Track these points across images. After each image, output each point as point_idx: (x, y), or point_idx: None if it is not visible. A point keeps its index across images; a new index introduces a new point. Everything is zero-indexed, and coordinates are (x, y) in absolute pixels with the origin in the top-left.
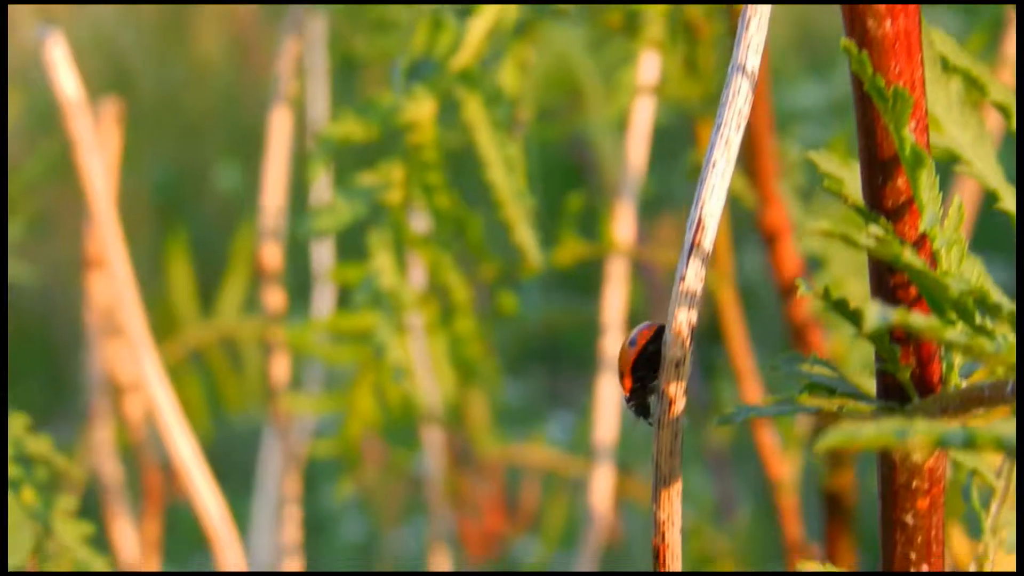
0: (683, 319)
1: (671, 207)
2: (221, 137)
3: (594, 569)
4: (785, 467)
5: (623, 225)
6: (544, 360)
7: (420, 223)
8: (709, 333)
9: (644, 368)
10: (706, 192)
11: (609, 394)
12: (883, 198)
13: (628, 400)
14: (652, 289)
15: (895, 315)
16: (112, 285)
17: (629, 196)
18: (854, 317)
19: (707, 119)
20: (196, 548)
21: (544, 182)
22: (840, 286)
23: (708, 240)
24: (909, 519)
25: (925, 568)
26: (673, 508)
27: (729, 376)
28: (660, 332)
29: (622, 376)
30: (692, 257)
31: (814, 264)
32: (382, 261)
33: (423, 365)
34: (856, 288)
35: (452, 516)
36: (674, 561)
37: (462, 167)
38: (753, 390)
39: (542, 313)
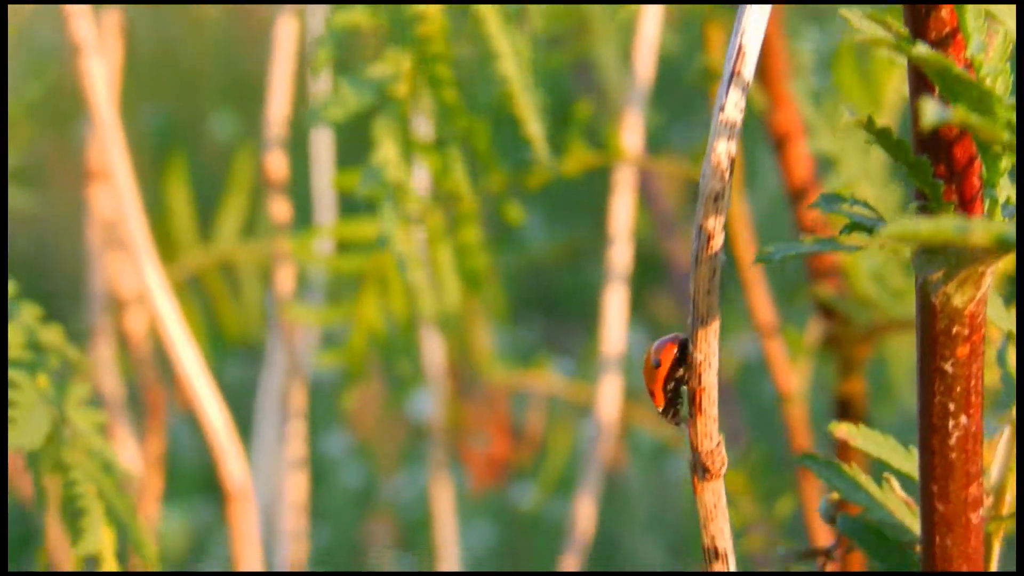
0: (722, 150)
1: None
2: (218, 87)
3: (596, 495)
4: (794, 379)
5: (631, 134)
6: (543, 309)
7: (425, 130)
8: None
9: (675, 384)
10: (746, 20)
11: (616, 311)
12: (927, 29)
13: (662, 413)
14: (659, 219)
15: (953, 113)
16: (114, 196)
17: (636, 105)
18: (896, 148)
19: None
20: (198, 491)
21: (551, 111)
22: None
23: (748, 69)
24: (948, 367)
25: (963, 420)
26: (710, 349)
27: (737, 302)
28: (684, 347)
29: (653, 395)
30: (732, 86)
31: (825, 167)
32: (387, 152)
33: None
34: (867, 191)
35: (455, 444)
36: (711, 405)
37: (468, 87)
38: (763, 300)
39: (545, 243)
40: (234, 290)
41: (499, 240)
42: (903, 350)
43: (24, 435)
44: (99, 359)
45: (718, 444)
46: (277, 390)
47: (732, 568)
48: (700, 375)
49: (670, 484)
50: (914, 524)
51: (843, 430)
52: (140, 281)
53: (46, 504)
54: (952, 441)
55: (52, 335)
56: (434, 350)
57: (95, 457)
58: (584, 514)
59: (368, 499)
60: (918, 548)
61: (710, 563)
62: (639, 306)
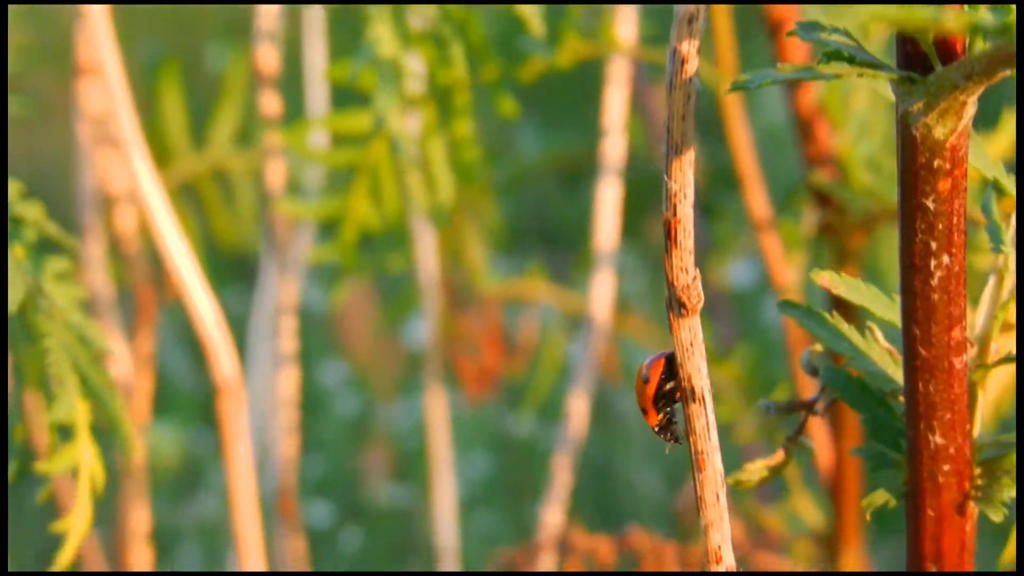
0: None
1: None
2: (215, 22)
3: (587, 405)
4: (789, 271)
5: (624, 26)
6: (537, 241)
7: (418, 22)
8: (710, 179)
9: (665, 400)
10: None
11: (609, 209)
12: None
13: (657, 432)
14: (654, 134)
15: None
16: (104, 90)
17: None
18: None
19: None
20: (193, 422)
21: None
22: None
23: None
24: (930, 203)
25: (945, 259)
26: (685, 179)
27: (731, 218)
28: (671, 361)
29: (645, 412)
30: None
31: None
32: (381, 30)
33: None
34: None
35: (449, 358)
36: (686, 237)
37: None
38: (757, 196)
39: (538, 153)
40: (228, 198)
41: (492, 154)
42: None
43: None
44: (89, 258)
45: (694, 279)
46: (271, 304)
47: (709, 407)
48: (675, 206)
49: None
50: (897, 373)
51: (825, 278)
52: (130, 177)
53: (23, 378)
54: (934, 282)
55: (32, 210)
56: (427, 262)
57: (72, 329)
58: (578, 411)
59: (363, 429)
60: (901, 398)
61: (686, 403)
62: (633, 232)
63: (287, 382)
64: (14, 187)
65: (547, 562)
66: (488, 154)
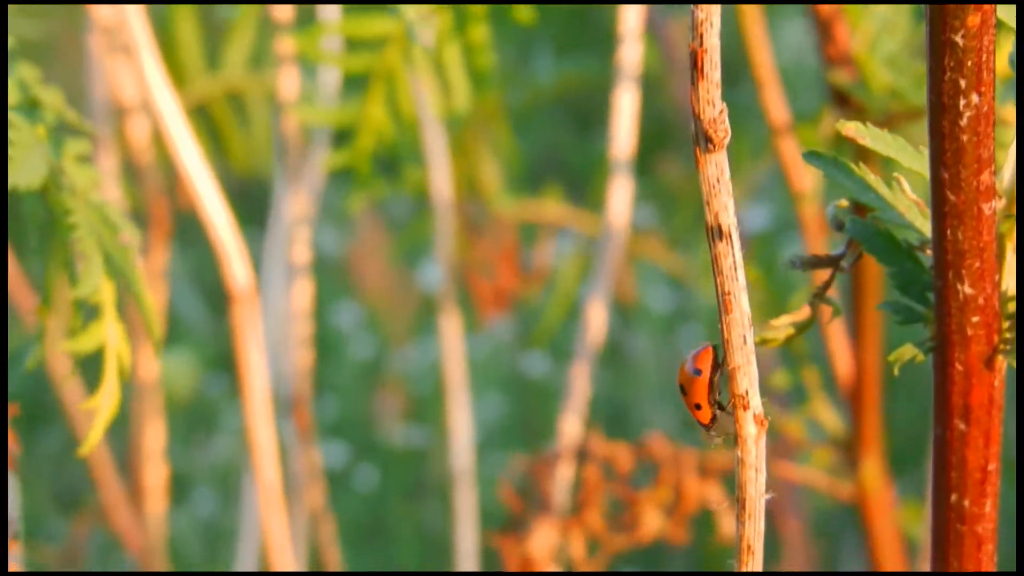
0: None
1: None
2: None
3: (605, 313)
4: (807, 177)
5: None
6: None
7: None
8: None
9: (714, 393)
10: None
11: (626, 115)
12: None
13: (709, 429)
14: (672, 66)
15: None
16: None
17: None
18: None
19: None
20: (208, 366)
21: None
22: None
23: None
24: (959, 39)
25: (975, 98)
26: (712, 8)
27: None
28: (717, 353)
29: (698, 408)
30: None
31: None
32: None
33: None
34: None
35: (464, 277)
36: (713, 69)
37: None
38: (775, 98)
39: (555, 74)
40: (242, 121)
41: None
42: (920, 138)
43: (22, 174)
44: (101, 170)
45: (721, 112)
46: (286, 219)
47: (736, 246)
48: (701, 35)
49: (680, 354)
50: (925, 225)
51: (851, 128)
52: (142, 86)
53: (47, 255)
54: (963, 122)
55: (50, 95)
56: (441, 187)
57: (94, 209)
58: (595, 320)
59: (377, 371)
60: (928, 251)
61: (714, 242)
62: (647, 172)
63: (301, 293)
64: (32, 73)
65: (565, 471)
66: (503, 78)
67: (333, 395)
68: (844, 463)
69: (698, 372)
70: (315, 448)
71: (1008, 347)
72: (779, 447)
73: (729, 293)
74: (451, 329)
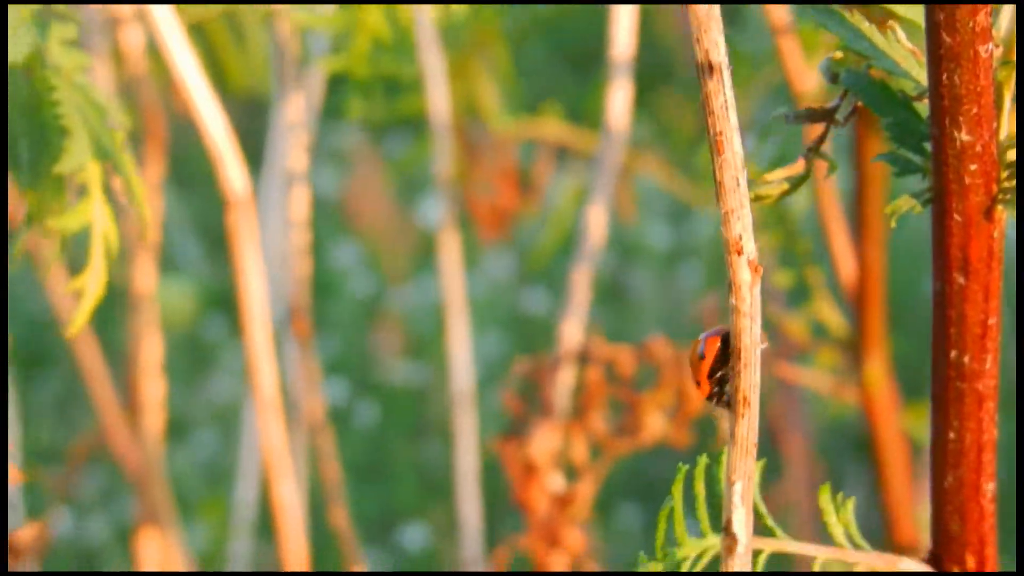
0: None
1: None
2: None
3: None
4: (809, 77)
5: None
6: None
7: None
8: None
9: (719, 375)
10: None
11: (626, 16)
12: None
13: (708, 400)
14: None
15: None
16: None
17: None
18: None
19: None
20: (206, 308)
21: None
22: None
23: None
24: None
25: None
26: None
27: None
28: (727, 340)
29: (698, 384)
30: None
31: None
32: None
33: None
34: None
35: (463, 196)
36: None
37: None
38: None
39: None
40: (238, 39)
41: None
42: None
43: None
44: (96, 80)
45: None
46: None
47: (727, 84)
48: None
49: (680, 291)
50: (921, 74)
51: None
52: None
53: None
54: None
55: None
56: (439, 105)
57: (80, 91)
58: (596, 220)
59: (376, 309)
60: (925, 101)
61: (704, 80)
62: (644, 104)
63: (300, 202)
64: None
65: (566, 375)
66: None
67: (332, 333)
68: (848, 365)
69: (703, 354)
70: (313, 356)
71: (1007, 197)
72: (782, 349)
73: (721, 133)
74: (451, 260)
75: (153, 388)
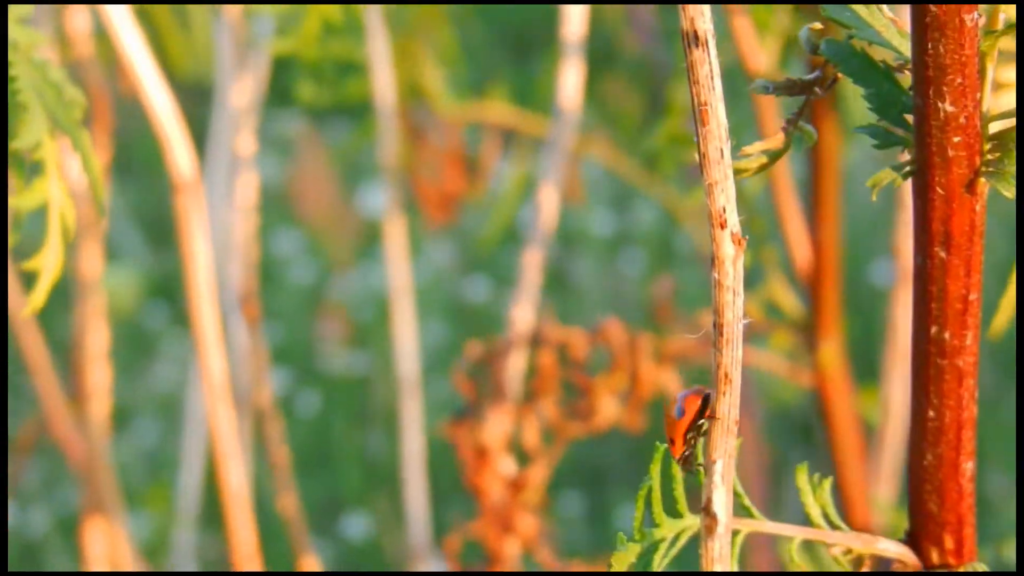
0: None
1: None
2: None
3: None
4: (762, 58)
5: None
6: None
7: None
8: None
9: (694, 433)
10: None
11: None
12: None
13: (677, 460)
14: None
15: None
16: None
17: None
18: None
19: None
20: (148, 296)
21: None
22: None
23: None
24: None
25: None
26: None
27: None
28: (707, 401)
29: (672, 443)
30: None
31: None
32: None
33: None
34: None
35: (408, 181)
36: None
37: None
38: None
39: None
40: (183, 22)
41: None
42: None
43: None
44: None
45: None
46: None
47: (713, 54)
48: None
49: (622, 279)
50: (903, 44)
51: None
52: None
53: None
54: None
55: None
56: (384, 87)
57: (37, 68)
58: (547, 202)
59: (319, 297)
60: (907, 71)
61: (689, 49)
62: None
63: (246, 186)
64: None
65: (518, 358)
66: None
67: (276, 321)
68: (802, 347)
69: (681, 413)
70: (262, 342)
71: (990, 169)
72: None
73: (705, 104)
74: (396, 245)
75: (99, 376)
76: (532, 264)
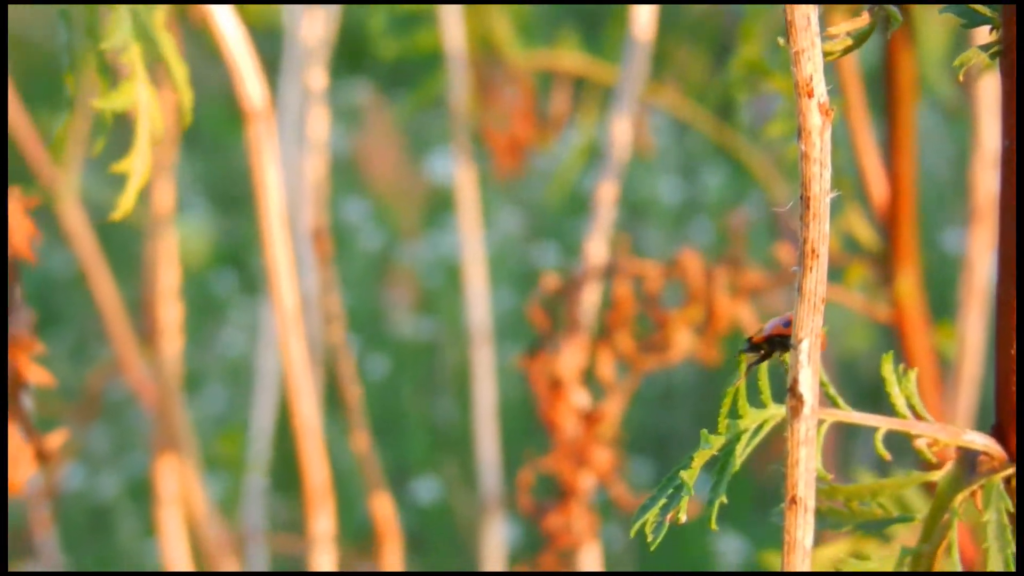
0: None
1: None
2: None
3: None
4: None
5: None
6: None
7: None
8: None
9: (777, 346)
10: None
11: None
12: None
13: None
14: None
15: None
16: None
17: None
18: None
19: None
20: (216, 264)
21: None
22: None
23: None
24: None
25: None
26: None
27: None
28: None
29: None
30: None
31: None
32: None
33: None
34: None
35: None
36: None
37: None
38: None
39: None
40: None
41: None
42: None
43: None
44: None
45: None
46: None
47: None
48: None
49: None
50: None
51: None
52: None
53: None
54: None
55: None
56: (454, 37)
57: None
58: (620, 132)
59: (387, 264)
60: None
61: None
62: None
63: (319, 118)
64: None
65: (592, 289)
66: None
67: (344, 288)
68: (879, 281)
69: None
70: (333, 276)
71: None
72: None
73: None
74: (467, 200)
75: (171, 314)
76: (606, 195)
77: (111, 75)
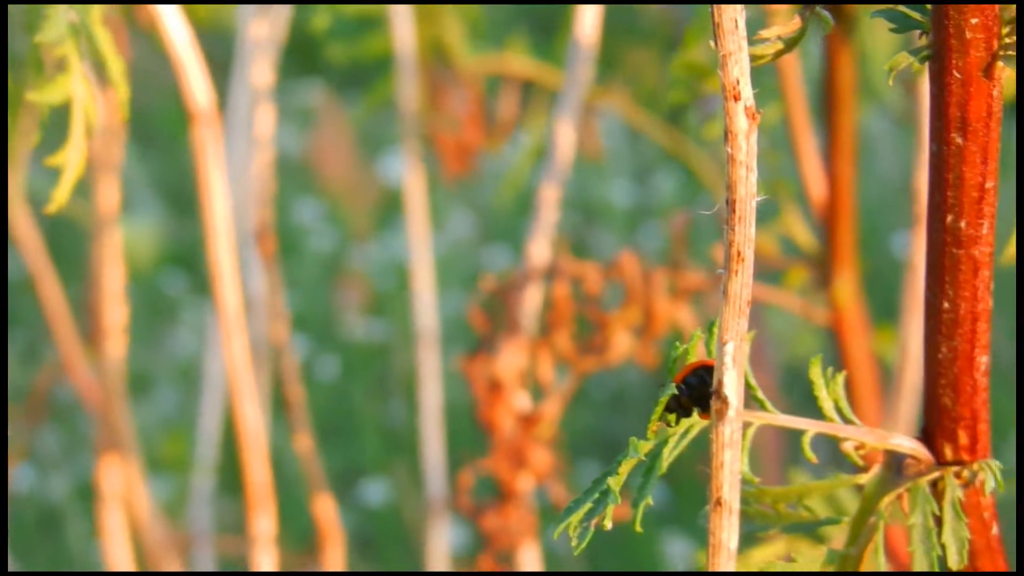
0: None
1: None
2: None
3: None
4: None
5: None
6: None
7: None
8: None
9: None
10: None
11: None
12: None
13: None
14: None
15: None
16: None
17: None
18: None
19: None
20: (166, 264)
21: None
22: None
23: None
24: None
25: None
26: None
27: None
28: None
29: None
30: None
31: None
32: None
33: None
34: None
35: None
36: None
37: None
38: None
39: None
40: None
41: None
42: None
43: None
44: None
45: None
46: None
47: None
48: None
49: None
50: None
51: None
52: None
53: None
54: None
55: None
56: (405, 41)
57: None
58: (564, 135)
59: (338, 265)
60: None
61: None
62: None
63: (265, 117)
64: None
65: (533, 290)
66: None
67: (295, 289)
68: (817, 284)
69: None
70: (279, 276)
71: (1007, 53)
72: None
73: None
74: (416, 200)
75: (115, 315)
76: (549, 196)
77: (48, 70)
